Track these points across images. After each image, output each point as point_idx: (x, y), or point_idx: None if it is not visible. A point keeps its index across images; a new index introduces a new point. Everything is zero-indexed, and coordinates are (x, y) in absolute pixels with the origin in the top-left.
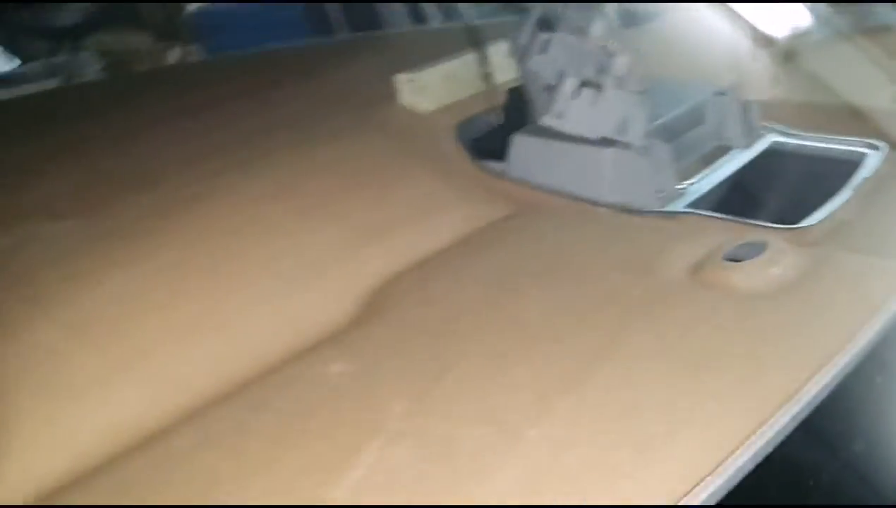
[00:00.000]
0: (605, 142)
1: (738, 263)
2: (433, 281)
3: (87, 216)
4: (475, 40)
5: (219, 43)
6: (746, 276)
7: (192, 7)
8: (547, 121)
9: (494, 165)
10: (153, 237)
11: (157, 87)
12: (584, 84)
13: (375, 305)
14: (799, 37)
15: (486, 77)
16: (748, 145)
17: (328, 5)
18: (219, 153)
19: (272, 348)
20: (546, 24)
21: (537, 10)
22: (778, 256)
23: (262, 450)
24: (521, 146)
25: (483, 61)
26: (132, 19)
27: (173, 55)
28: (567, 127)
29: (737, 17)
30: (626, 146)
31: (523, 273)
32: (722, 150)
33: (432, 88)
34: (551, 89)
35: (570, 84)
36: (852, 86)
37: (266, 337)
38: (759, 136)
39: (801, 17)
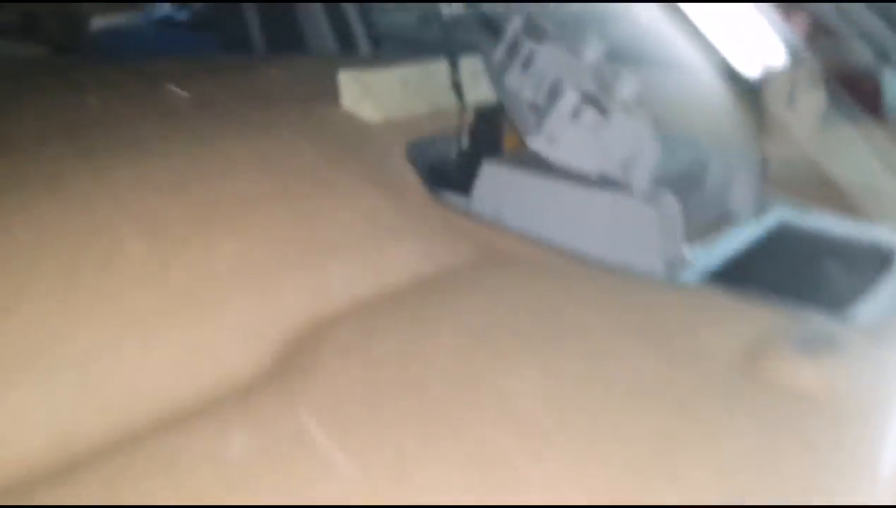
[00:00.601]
0: (604, 182)
1: (814, 356)
2: (381, 331)
3: None
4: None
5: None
6: (825, 374)
7: (98, 24)
8: (534, 143)
9: (454, 198)
10: None
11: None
12: (586, 101)
13: (300, 356)
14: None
15: (448, 91)
16: (756, 215)
17: (250, 31)
18: (106, 131)
19: (142, 406)
20: (528, 36)
21: (515, 20)
22: (858, 352)
23: None
24: (493, 177)
25: (444, 72)
26: (32, 31)
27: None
28: (559, 155)
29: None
30: (630, 191)
31: (504, 331)
32: (727, 218)
33: (381, 93)
34: (539, 109)
35: (569, 99)
36: (847, 159)
37: (134, 389)
38: (767, 207)
39: (775, 53)
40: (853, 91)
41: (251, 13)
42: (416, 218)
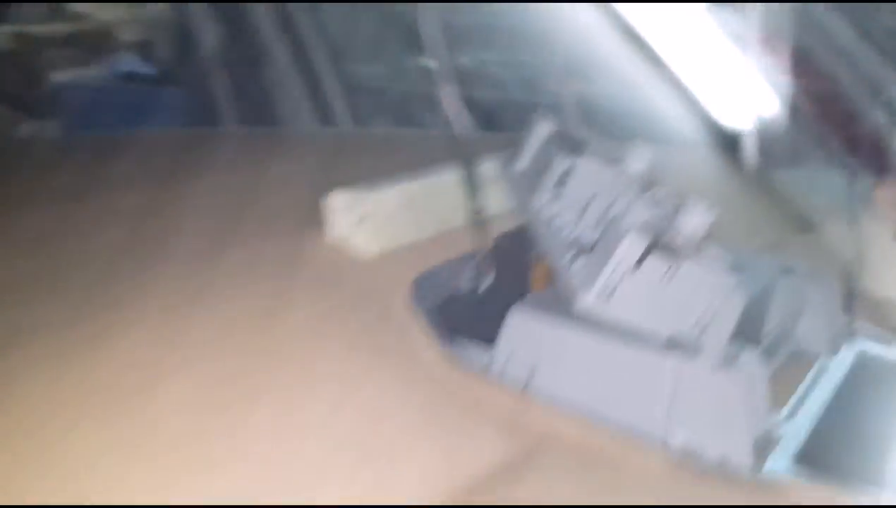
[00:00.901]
0: (672, 343)
1: None
2: None
3: None
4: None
5: (84, 122)
6: None
7: (60, 80)
8: (585, 301)
9: (474, 351)
10: None
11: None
12: (653, 246)
13: None
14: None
15: (457, 207)
16: (833, 351)
17: (217, 93)
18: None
19: None
20: (561, 146)
21: (542, 126)
22: None
23: None
24: (523, 331)
25: (453, 186)
26: None
27: (24, 129)
28: (616, 313)
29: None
30: (705, 354)
31: None
32: (797, 358)
33: (380, 220)
34: (586, 248)
35: (632, 245)
36: None
37: None
38: (846, 339)
39: (767, 104)
40: (854, 144)
41: (219, 77)
42: (434, 396)
